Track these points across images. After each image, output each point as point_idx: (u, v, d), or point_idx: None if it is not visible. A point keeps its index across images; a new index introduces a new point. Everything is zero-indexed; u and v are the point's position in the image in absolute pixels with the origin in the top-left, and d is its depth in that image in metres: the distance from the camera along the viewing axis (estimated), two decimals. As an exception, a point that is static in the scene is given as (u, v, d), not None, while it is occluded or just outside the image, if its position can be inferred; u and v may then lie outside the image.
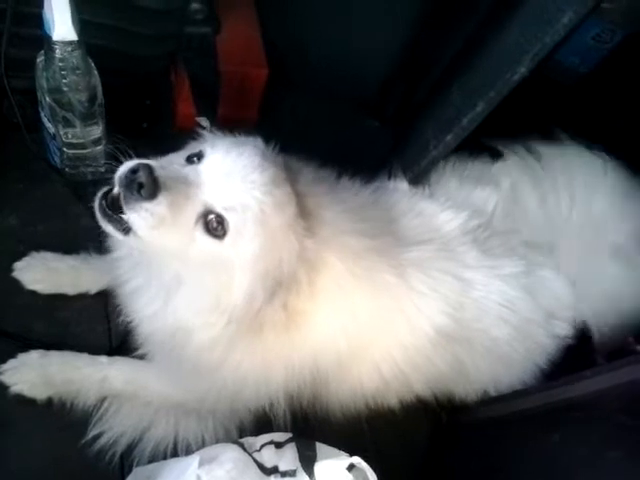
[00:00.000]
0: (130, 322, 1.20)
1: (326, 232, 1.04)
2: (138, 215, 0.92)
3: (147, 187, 0.90)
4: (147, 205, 0.91)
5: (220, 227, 0.95)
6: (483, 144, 1.55)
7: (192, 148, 1.05)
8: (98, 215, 0.98)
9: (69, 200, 1.48)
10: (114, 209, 0.96)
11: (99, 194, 0.99)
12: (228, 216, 0.94)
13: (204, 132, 1.13)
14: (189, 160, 1.01)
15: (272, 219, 0.96)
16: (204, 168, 0.97)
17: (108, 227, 0.98)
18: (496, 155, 1.55)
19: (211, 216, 0.95)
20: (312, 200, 1.05)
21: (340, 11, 1.74)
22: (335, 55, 1.82)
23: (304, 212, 1.02)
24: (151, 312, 1.10)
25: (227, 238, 0.95)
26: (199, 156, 0.99)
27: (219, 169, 0.96)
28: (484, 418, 1.42)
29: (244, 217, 0.94)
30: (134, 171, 0.91)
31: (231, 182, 0.95)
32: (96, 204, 0.99)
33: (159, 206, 0.91)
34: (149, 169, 0.91)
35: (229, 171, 0.96)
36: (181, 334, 1.06)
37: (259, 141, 1.08)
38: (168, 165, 0.99)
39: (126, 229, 0.96)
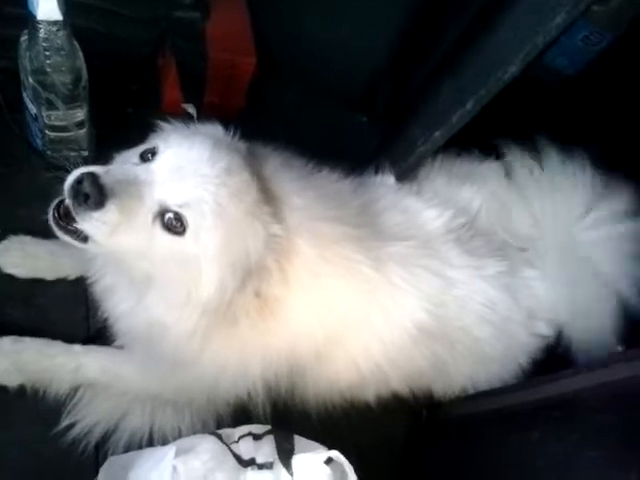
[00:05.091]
0: (107, 318, 1.19)
1: (295, 218, 1.03)
2: (90, 225, 0.93)
3: (93, 197, 0.90)
4: (96, 215, 0.91)
5: (179, 224, 0.95)
6: (490, 142, 1.54)
7: (148, 143, 1.04)
8: (53, 227, 0.99)
9: (50, 184, 1.45)
10: (69, 219, 0.96)
11: (52, 205, 0.99)
12: (184, 213, 0.94)
13: (160, 125, 1.12)
14: (143, 157, 1.00)
15: (230, 209, 0.95)
16: (156, 166, 0.96)
17: (65, 237, 0.99)
18: (497, 154, 1.54)
19: (168, 214, 0.95)
20: (279, 186, 1.05)
21: (330, 5, 1.73)
22: (324, 48, 1.81)
23: (271, 198, 1.02)
24: (125, 309, 1.11)
25: (188, 234, 0.95)
26: (152, 152, 0.99)
27: (170, 166, 0.96)
28: (464, 415, 1.42)
29: (201, 212, 0.94)
30: (79, 181, 0.91)
31: (183, 178, 0.95)
32: (49, 216, 0.99)
33: (109, 214, 0.92)
34: (93, 178, 0.91)
35: (180, 167, 0.95)
36: (156, 329, 1.05)
37: (218, 128, 1.08)
38: (118, 167, 0.99)
39: (84, 237, 0.96)
